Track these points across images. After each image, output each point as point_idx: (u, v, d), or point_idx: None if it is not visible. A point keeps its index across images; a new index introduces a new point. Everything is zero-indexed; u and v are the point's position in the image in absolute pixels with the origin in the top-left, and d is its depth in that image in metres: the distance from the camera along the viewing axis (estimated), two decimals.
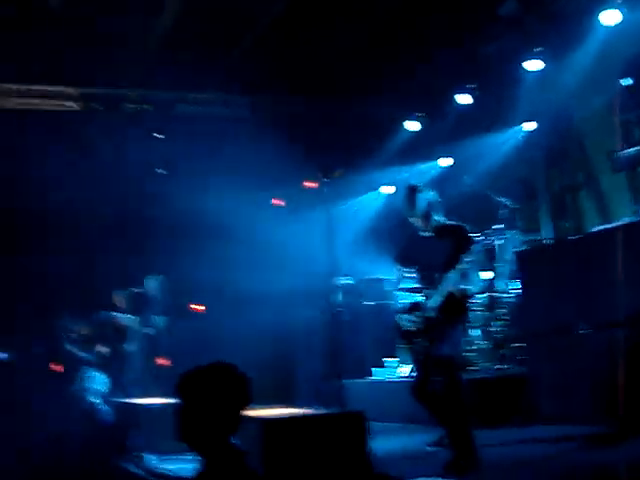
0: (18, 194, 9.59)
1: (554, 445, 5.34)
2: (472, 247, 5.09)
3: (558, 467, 4.68)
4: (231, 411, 2.70)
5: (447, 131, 10.02)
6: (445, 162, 10.74)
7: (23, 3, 7.53)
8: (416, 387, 5.00)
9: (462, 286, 5.02)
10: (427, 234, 5.21)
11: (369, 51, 8.72)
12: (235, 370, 2.76)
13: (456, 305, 4.98)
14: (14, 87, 8.75)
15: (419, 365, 5.11)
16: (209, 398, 2.64)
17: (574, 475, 4.39)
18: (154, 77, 8.77)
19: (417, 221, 5.22)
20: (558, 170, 9.90)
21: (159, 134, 9.51)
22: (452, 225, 5.22)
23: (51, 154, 8.86)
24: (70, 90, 8.98)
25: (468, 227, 5.19)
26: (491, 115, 9.67)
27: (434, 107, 10.03)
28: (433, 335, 4.89)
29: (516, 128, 9.87)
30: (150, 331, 8.57)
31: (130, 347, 8.29)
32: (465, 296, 5.13)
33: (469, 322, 6.40)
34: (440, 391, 4.89)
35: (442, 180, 10.04)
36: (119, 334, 8.37)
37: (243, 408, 2.73)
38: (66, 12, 7.60)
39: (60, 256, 10.01)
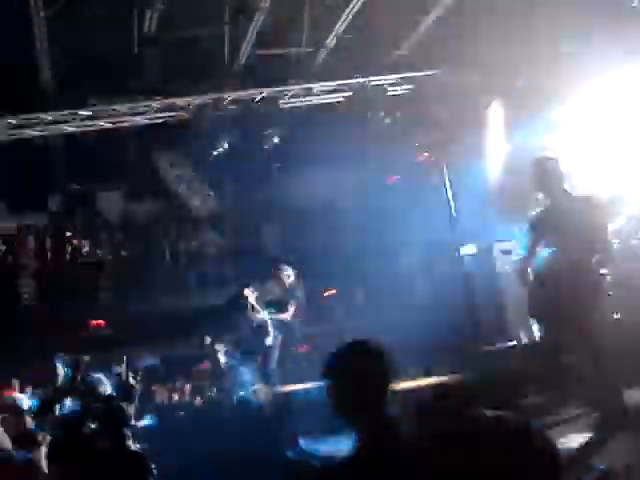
0: None
1: None
2: None
3: None
4: (374, 385, 2.80)
5: None
6: None
7: None
8: None
9: None
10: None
11: None
12: (376, 345, 2.86)
13: None
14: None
15: None
16: (352, 375, 2.76)
17: None
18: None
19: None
20: None
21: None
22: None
23: None
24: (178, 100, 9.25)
25: None
26: None
27: None
28: None
29: None
30: (287, 320, 8.72)
31: (270, 340, 8.44)
32: None
33: None
34: None
35: None
36: (260, 331, 8.52)
37: (386, 381, 2.82)
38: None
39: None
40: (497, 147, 8.91)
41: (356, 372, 2.79)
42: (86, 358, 6.63)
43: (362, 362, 2.81)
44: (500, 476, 2.50)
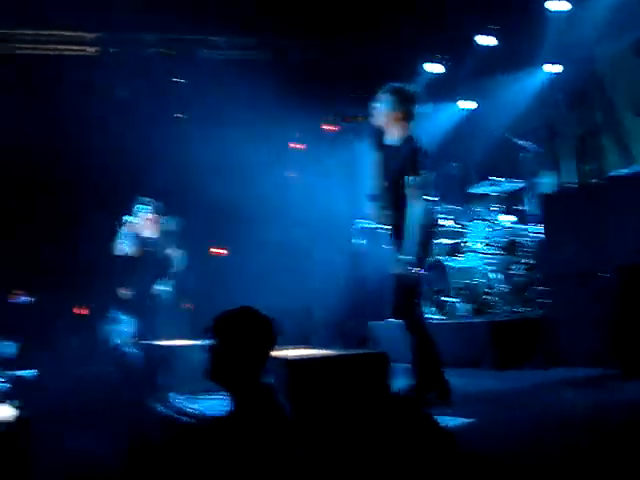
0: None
1: (562, 387, 5.41)
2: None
3: (553, 407, 4.73)
4: (259, 351, 2.82)
5: (469, 74, 9.90)
6: (466, 105, 10.64)
7: None
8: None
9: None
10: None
11: None
12: (260, 312, 2.88)
13: None
14: (30, 32, 8.74)
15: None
16: (239, 337, 2.77)
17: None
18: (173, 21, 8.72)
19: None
20: (580, 113, 9.78)
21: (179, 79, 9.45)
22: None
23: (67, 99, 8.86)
24: (87, 35, 8.95)
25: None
26: (513, 57, 9.54)
27: (455, 49, 9.90)
28: None
29: (538, 70, 9.76)
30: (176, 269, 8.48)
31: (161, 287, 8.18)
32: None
33: None
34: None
35: (465, 122, 9.97)
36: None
37: (270, 349, 2.85)
38: None
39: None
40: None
41: (240, 335, 2.79)
42: None
43: (247, 327, 2.82)
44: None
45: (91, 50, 9.07)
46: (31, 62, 9.06)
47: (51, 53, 8.91)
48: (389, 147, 5.13)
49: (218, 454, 2.65)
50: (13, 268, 9.60)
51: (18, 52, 8.70)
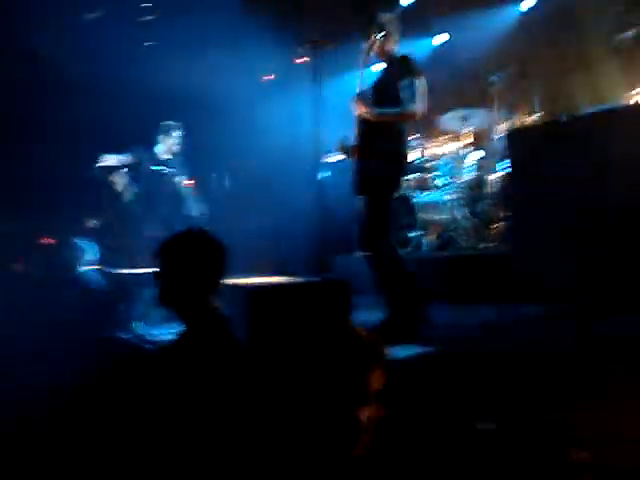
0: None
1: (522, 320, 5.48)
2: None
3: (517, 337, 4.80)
4: (206, 274, 2.77)
5: (442, 6, 9.75)
6: (439, 39, 10.50)
7: None
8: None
9: None
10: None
11: None
12: (209, 235, 2.82)
13: None
14: None
15: None
16: (184, 261, 2.71)
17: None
18: None
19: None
20: (553, 51, 9.70)
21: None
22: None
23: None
24: None
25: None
26: None
27: None
28: None
29: (513, 6, 9.64)
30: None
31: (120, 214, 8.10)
32: None
33: None
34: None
35: (436, 57, 9.85)
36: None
37: (219, 271, 2.80)
38: None
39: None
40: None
41: (186, 258, 2.74)
42: None
43: (194, 249, 2.76)
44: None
45: None
46: None
47: None
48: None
49: (165, 380, 2.64)
50: None
51: None
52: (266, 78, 11.09)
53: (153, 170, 7.87)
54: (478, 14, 9.58)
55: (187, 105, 9.74)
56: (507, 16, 9.72)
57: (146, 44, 10.49)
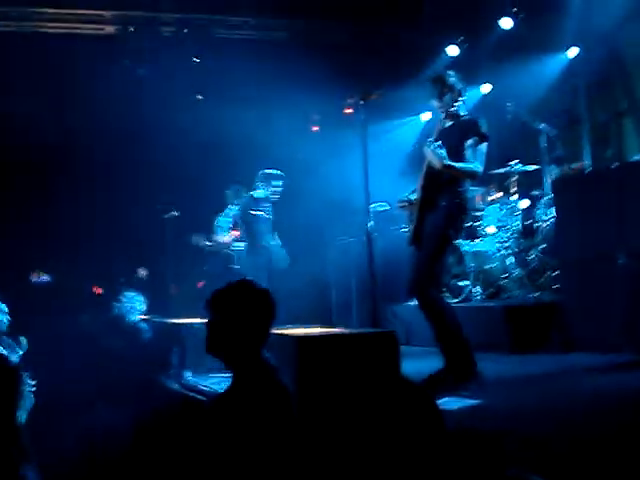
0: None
1: (578, 372, 5.38)
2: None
3: (575, 390, 4.71)
4: (257, 325, 2.80)
5: (488, 57, 9.81)
6: (485, 89, 10.53)
7: None
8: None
9: None
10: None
11: None
12: (260, 286, 2.87)
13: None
14: (50, 11, 8.76)
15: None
16: (235, 311, 2.75)
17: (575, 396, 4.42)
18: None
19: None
20: (601, 98, 9.66)
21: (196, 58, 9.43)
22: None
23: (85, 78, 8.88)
24: (105, 13, 8.95)
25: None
26: (534, 41, 9.42)
27: (475, 31, 9.81)
28: None
29: (560, 54, 9.63)
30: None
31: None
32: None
33: None
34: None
35: (482, 107, 9.86)
36: None
37: (268, 323, 2.83)
38: None
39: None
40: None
41: (235, 309, 2.77)
42: None
43: (244, 300, 2.79)
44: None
45: (110, 29, 9.06)
46: (48, 41, 9.08)
47: (70, 32, 8.91)
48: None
49: (214, 431, 2.65)
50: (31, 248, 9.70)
51: (36, 30, 8.69)
52: (315, 129, 11.23)
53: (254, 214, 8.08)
54: (525, 62, 9.60)
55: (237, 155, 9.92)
56: (554, 64, 9.71)
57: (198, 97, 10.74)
